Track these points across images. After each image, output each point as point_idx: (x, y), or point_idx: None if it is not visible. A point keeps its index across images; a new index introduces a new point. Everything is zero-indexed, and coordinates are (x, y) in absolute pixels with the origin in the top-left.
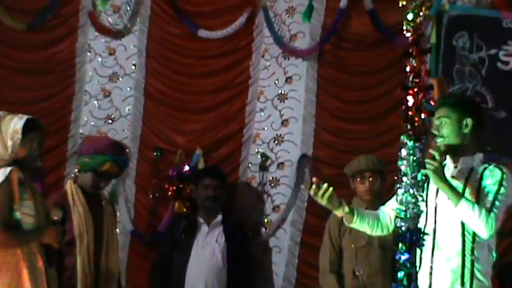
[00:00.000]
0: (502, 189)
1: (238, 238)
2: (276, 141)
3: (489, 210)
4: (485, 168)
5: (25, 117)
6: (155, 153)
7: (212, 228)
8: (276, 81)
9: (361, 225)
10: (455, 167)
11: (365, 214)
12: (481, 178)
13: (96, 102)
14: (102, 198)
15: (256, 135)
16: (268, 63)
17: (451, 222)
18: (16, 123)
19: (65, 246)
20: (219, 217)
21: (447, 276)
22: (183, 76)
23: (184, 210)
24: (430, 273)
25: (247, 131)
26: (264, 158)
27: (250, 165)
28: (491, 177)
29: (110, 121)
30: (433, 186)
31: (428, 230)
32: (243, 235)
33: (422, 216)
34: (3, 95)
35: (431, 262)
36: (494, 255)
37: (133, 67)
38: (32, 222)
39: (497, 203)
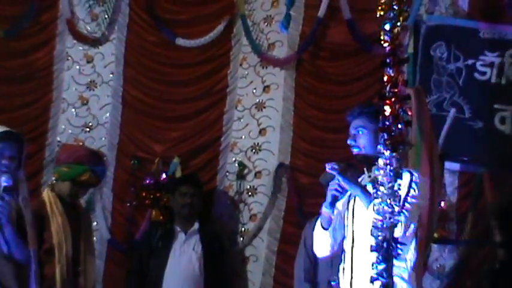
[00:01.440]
0: (412, 191)
1: (215, 247)
2: (254, 150)
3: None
4: None
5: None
6: (132, 162)
7: (189, 237)
8: (254, 90)
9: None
10: (369, 176)
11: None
12: None
13: (73, 110)
14: (78, 206)
15: (233, 143)
16: (246, 72)
17: (367, 226)
18: None
19: (43, 255)
20: (196, 225)
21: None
22: (161, 84)
23: (161, 218)
24: (351, 283)
25: (225, 140)
26: (241, 167)
27: (227, 173)
28: (402, 180)
29: (88, 129)
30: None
31: (348, 236)
32: (220, 244)
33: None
34: None
35: (352, 271)
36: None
37: (111, 75)
38: None
39: (406, 204)
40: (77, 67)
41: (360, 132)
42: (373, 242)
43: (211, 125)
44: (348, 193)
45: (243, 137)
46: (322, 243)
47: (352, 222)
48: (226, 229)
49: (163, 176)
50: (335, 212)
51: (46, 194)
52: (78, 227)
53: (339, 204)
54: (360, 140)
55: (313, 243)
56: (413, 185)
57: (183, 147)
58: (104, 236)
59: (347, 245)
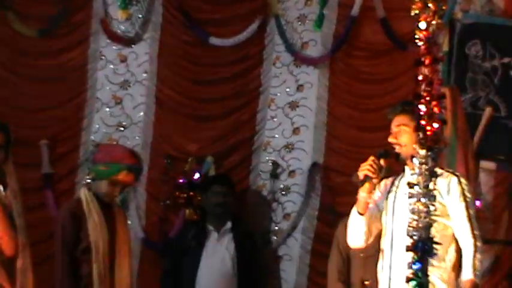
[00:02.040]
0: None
1: (248, 246)
2: (287, 149)
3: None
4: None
5: None
6: (166, 161)
7: (222, 236)
8: (287, 89)
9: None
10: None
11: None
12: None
13: (107, 109)
14: (114, 206)
15: (267, 142)
16: (280, 71)
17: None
18: None
19: (80, 254)
20: (229, 224)
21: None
22: (194, 83)
23: (195, 217)
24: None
25: (258, 139)
26: (274, 166)
27: (260, 173)
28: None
29: (121, 128)
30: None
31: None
32: (252, 243)
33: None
34: (16, 102)
35: (390, 270)
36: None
37: (144, 74)
38: None
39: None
40: (111, 66)
41: (402, 130)
42: (409, 241)
43: (245, 124)
44: (388, 189)
45: (276, 136)
46: (356, 231)
47: (392, 220)
48: (260, 228)
49: (197, 175)
50: (371, 203)
51: (83, 193)
52: (114, 226)
53: (378, 198)
54: (402, 138)
55: (346, 240)
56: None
57: (216, 147)
58: (137, 235)
59: (386, 243)
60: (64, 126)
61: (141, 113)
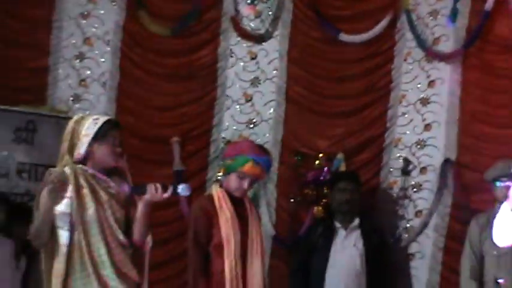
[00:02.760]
0: None
1: (377, 242)
2: (419, 146)
3: None
4: None
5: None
6: (296, 158)
7: (349, 232)
8: (419, 85)
9: None
10: None
11: None
12: None
13: (237, 106)
14: (245, 202)
15: (398, 139)
16: (411, 67)
17: None
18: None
19: (212, 251)
20: (356, 221)
21: None
22: (324, 80)
23: (323, 215)
24: None
25: (389, 136)
26: (405, 163)
27: (391, 169)
28: None
29: (251, 125)
30: None
31: None
32: (381, 239)
33: None
34: (149, 100)
35: None
36: None
37: (274, 71)
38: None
39: None
40: (241, 64)
41: None
42: None
43: (375, 121)
44: None
45: (408, 132)
46: (507, 229)
47: None
48: (390, 225)
49: (327, 172)
50: None
51: (214, 189)
52: (246, 223)
53: None
54: None
55: (480, 240)
56: None
57: (347, 143)
58: (268, 232)
59: None
60: (195, 124)
61: (271, 110)
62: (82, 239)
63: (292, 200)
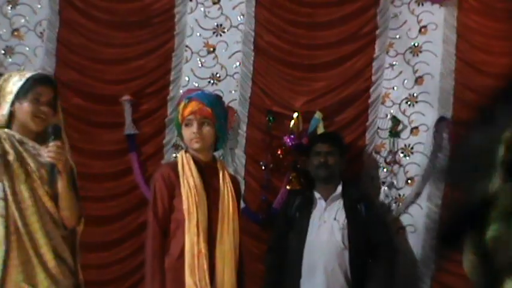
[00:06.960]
0: None
1: (360, 213)
2: (409, 102)
3: None
4: None
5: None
6: (267, 118)
7: (330, 204)
8: (408, 32)
9: None
10: None
11: None
12: None
13: (198, 59)
14: (220, 171)
15: (385, 95)
16: (399, 10)
17: None
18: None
19: (172, 225)
20: (339, 189)
21: None
22: (299, 28)
23: (299, 187)
24: None
25: (375, 91)
26: (394, 122)
27: (378, 130)
28: None
29: (215, 81)
30: None
31: None
32: (366, 208)
33: None
34: (95, 52)
35: None
36: None
37: (240, 17)
38: None
39: None
40: (202, 9)
41: None
42: None
43: (359, 74)
44: None
45: (396, 87)
46: None
47: None
48: (377, 195)
49: (303, 134)
50: None
51: (180, 155)
52: (217, 195)
53: None
54: None
55: None
56: None
57: (326, 101)
58: None
59: None
60: (149, 80)
61: (238, 63)
62: (15, 210)
63: (263, 168)
